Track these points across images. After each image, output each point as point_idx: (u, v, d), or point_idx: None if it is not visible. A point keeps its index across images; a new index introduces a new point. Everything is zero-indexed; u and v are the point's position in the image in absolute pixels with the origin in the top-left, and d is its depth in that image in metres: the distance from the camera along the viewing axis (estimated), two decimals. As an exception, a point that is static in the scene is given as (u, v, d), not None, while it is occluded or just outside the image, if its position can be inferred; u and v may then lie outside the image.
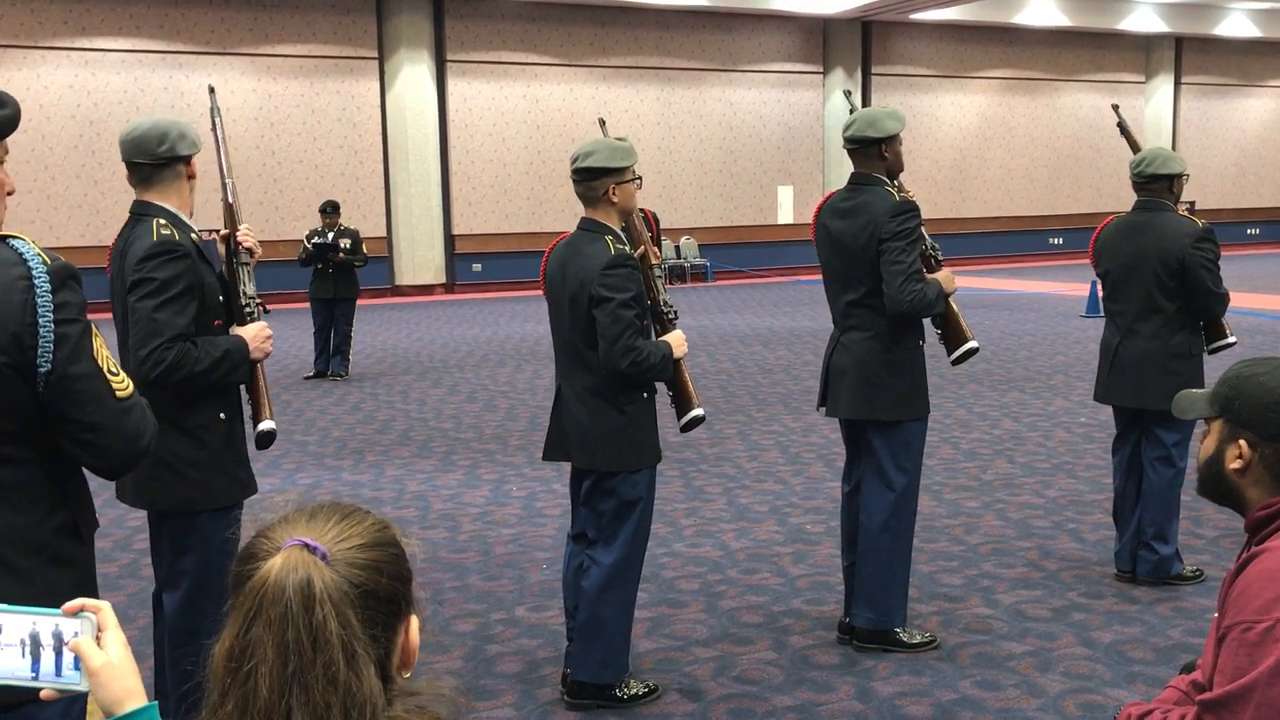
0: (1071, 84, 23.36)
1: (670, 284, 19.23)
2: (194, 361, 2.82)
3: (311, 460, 6.98)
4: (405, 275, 17.96)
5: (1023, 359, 10.53)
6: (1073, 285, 17.15)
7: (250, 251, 3.13)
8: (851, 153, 3.94)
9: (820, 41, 20.79)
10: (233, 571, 1.17)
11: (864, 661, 3.82)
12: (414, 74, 17.64)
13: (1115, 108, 5.43)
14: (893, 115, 3.92)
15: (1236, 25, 23.32)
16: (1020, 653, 3.86)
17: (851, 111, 4.04)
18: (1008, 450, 6.91)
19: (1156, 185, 4.56)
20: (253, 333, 3.01)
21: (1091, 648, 3.90)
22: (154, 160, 2.95)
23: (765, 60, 20.44)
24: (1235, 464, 1.86)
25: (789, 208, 21.05)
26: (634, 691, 3.59)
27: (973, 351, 4.03)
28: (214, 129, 3.32)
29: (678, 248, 19.84)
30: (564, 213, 18.98)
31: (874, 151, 3.89)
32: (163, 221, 2.90)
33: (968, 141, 22.46)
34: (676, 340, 3.54)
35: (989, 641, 3.97)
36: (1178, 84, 24.28)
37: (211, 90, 3.57)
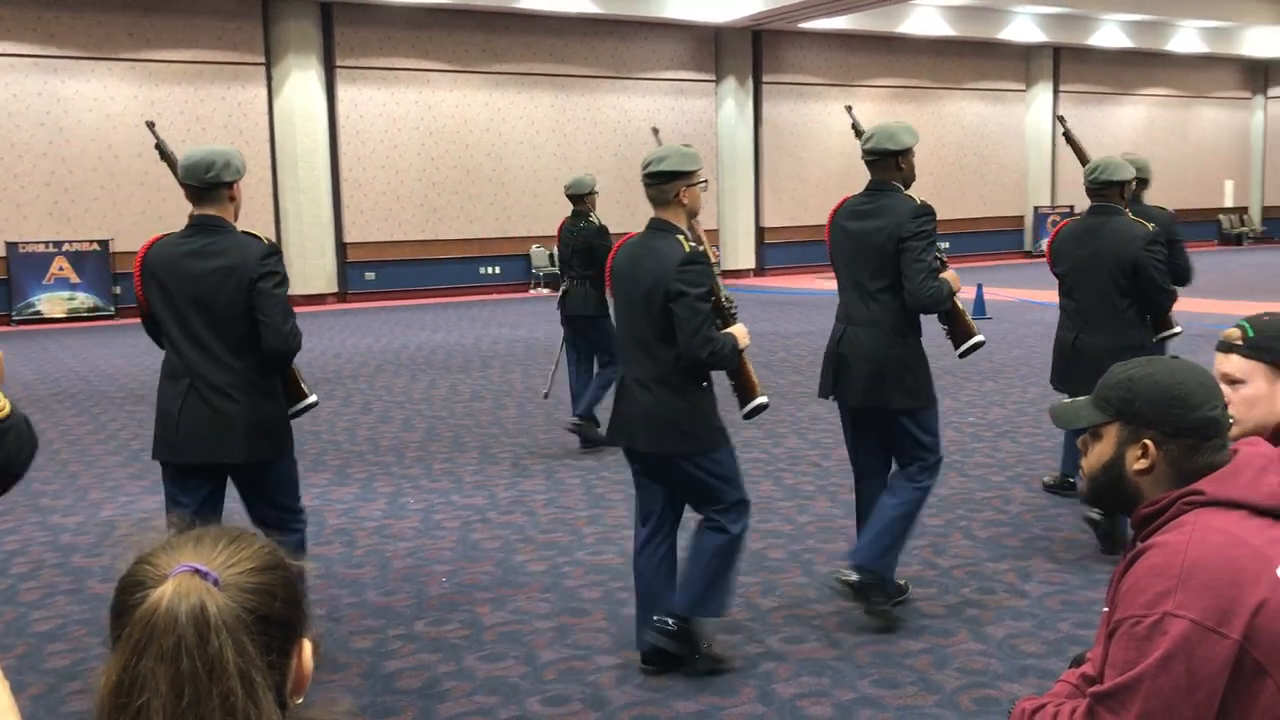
0: (956, 92, 23.99)
1: (555, 291, 19.19)
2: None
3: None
4: (296, 284, 17.55)
5: (914, 361, 10.75)
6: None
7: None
8: (870, 164, 4.32)
9: (713, 50, 20.99)
10: (114, 601, 1.12)
11: (764, 664, 3.85)
12: (302, 80, 17.30)
13: (1061, 119, 6.08)
14: (907, 130, 4.30)
15: (1110, 36, 24.22)
16: (917, 650, 3.94)
17: (854, 125, 4.63)
18: (901, 451, 7.04)
19: (1109, 191, 5.10)
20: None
21: (985, 642, 3.99)
22: (201, 184, 3.65)
23: (659, 68, 20.57)
24: (1140, 464, 1.87)
25: (684, 214, 21.16)
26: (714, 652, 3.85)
27: (979, 345, 4.39)
28: (165, 158, 3.94)
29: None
30: (458, 219, 18.83)
31: (891, 163, 4.26)
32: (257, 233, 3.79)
33: (857, 149, 22.80)
34: (740, 333, 3.78)
35: (887, 640, 4.03)
36: (1056, 92, 25.10)
37: (151, 124, 4.46)
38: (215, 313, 3.65)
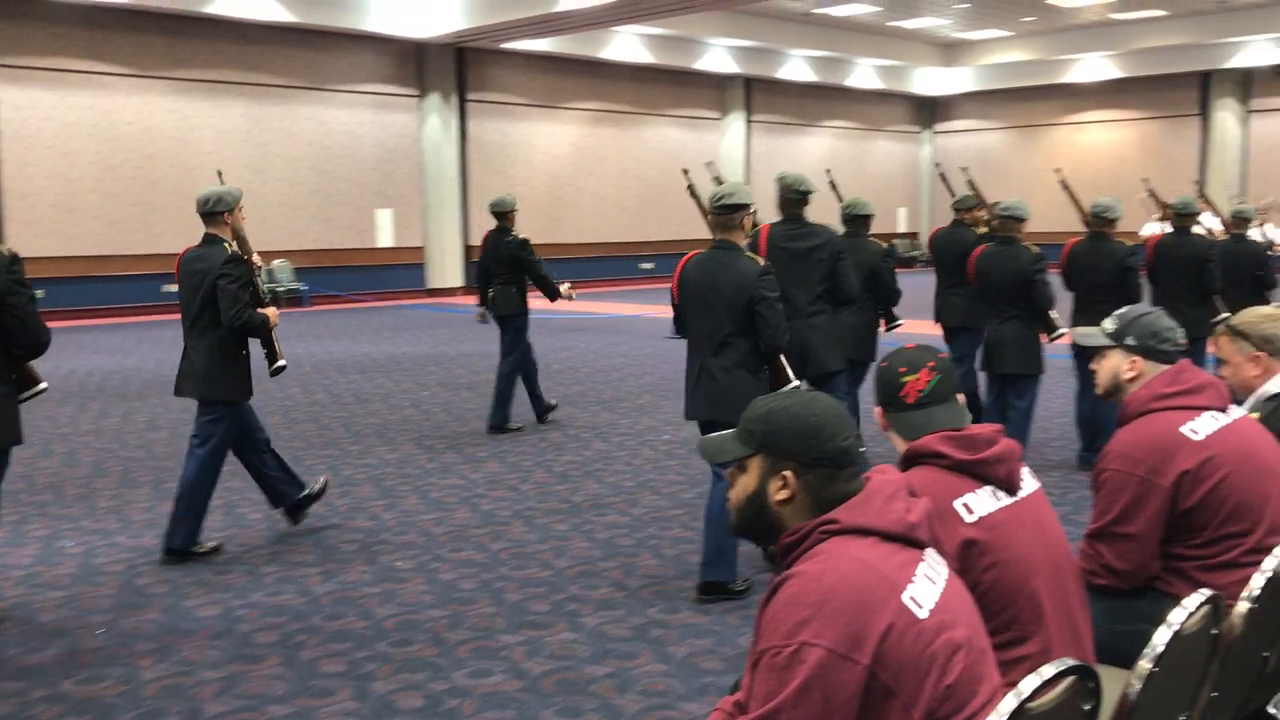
0: (656, 118, 24.76)
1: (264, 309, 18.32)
2: (252, 318, 5.27)
3: None
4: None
5: (614, 380, 10.95)
6: (661, 308, 18.10)
7: (258, 266, 5.41)
8: (797, 202, 5.84)
9: (415, 65, 20.68)
10: None
11: (448, 702, 3.74)
12: (-45, 78, 15.67)
13: (827, 171, 7.35)
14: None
15: (796, 70, 25.74)
16: (601, 675, 3.94)
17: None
18: (597, 471, 7.11)
19: (1017, 226, 6.63)
20: (271, 311, 5.41)
21: (668, 663, 4.04)
22: (205, 211, 5.31)
23: (358, 81, 20.04)
24: (781, 495, 1.93)
25: (389, 231, 20.73)
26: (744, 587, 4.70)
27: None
28: None
29: (270, 271, 18.96)
30: (139, 234, 17.58)
31: (798, 199, 5.85)
32: (231, 243, 5.29)
33: (562, 169, 23.18)
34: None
35: (572, 667, 4.01)
36: (749, 121, 26.40)
37: None
38: None
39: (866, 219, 6.90)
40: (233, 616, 4.57)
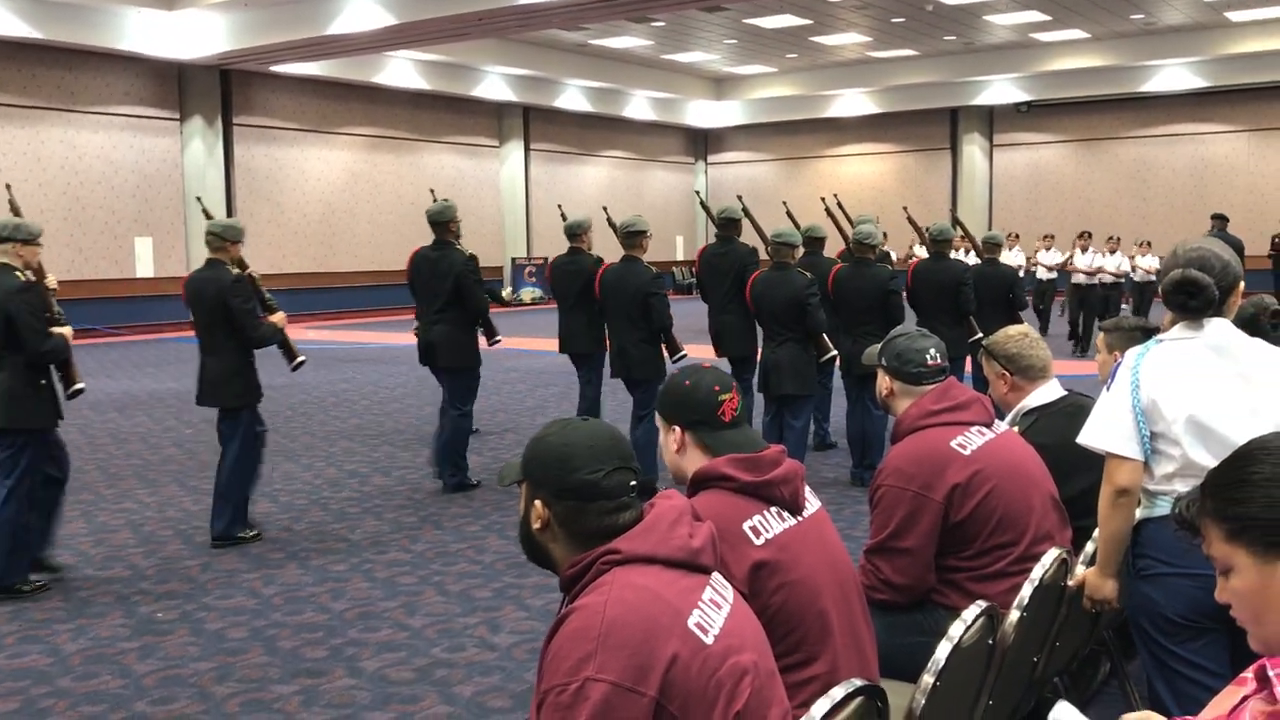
0: (433, 144, 24.44)
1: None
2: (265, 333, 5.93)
3: None
4: None
5: (393, 412, 10.64)
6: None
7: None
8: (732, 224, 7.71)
9: (176, 87, 19.69)
10: None
11: (216, 762, 3.47)
12: None
13: (740, 197, 8.03)
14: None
15: (573, 100, 25.96)
16: (383, 722, 3.75)
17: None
18: (377, 508, 6.85)
19: (789, 252, 6.96)
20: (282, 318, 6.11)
21: (454, 704, 3.89)
22: (211, 240, 6.11)
23: (113, 102, 18.92)
24: (536, 524, 1.89)
25: (148, 260, 19.61)
26: None
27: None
28: None
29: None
30: None
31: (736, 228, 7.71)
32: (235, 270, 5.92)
33: (336, 196, 22.55)
34: None
35: (352, 715, 3.80)
36: (528, 149, 26.44)
37: None
38: None
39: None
40: (-35, 685, 4.12)
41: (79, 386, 5.45)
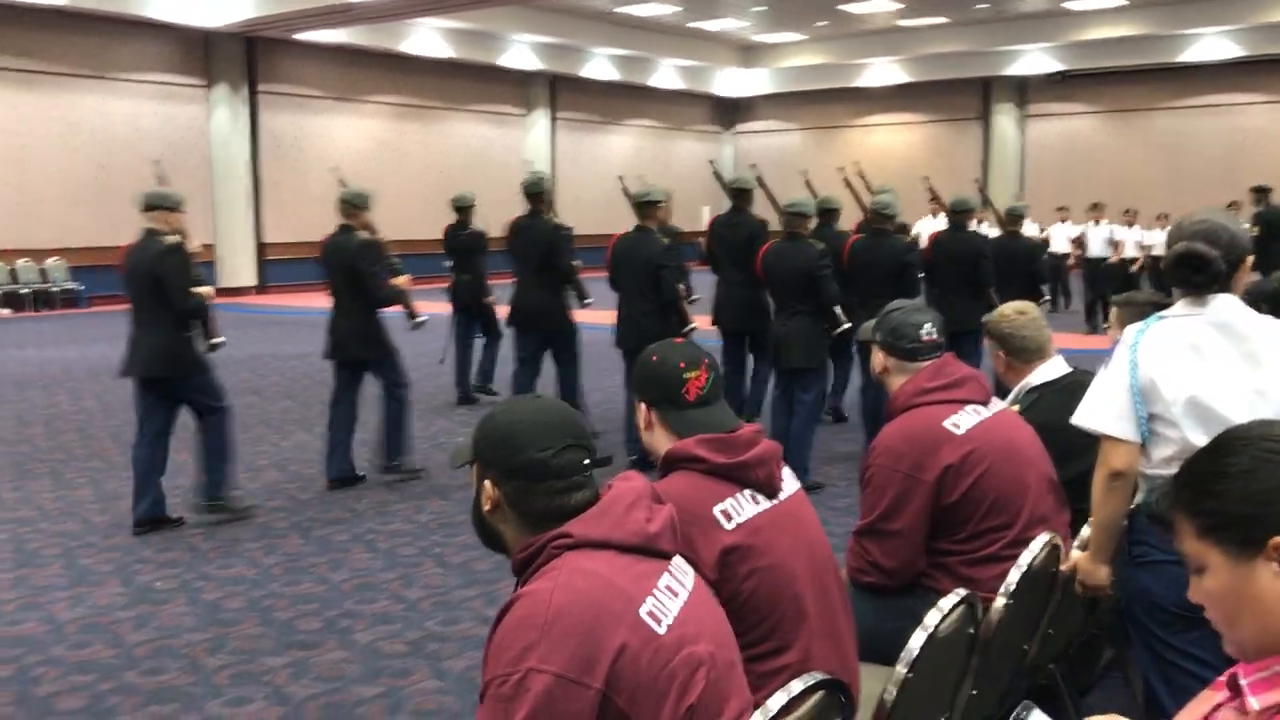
0: (460, 113, 24.32)
1: (37, 311, 17.15)
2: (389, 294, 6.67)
3: None
4: None
5: (417, 380, 10.57)
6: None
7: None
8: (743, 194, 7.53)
9: (202, 54, 19.66)
10: None
11: (200, 735, 3.45)
12: None
13: (754, 165, 7.67)
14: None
15: (600, 68, 25.74)
16: (371, 696, 3.71)
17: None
18: (386, 476, 6.80)
19: (802, 223, 6.69)
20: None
21: (444, 679, 3.85)
22: (344, 207, 6.73)
23: (142, 70, 18.92)
24: (486, 505, 1.81)
25: (175, 228, 19.65)
26: None
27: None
28: None
29: (44, 270, 17.71)
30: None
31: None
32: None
33: (363, 164, 22.46)
34: None
35: (340, 689, 3.77)
36: (554, 118, 26.26)
37: None
38: None
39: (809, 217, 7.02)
40: (-40, 652, 4.12)
41: (220, 340, 5.90)
